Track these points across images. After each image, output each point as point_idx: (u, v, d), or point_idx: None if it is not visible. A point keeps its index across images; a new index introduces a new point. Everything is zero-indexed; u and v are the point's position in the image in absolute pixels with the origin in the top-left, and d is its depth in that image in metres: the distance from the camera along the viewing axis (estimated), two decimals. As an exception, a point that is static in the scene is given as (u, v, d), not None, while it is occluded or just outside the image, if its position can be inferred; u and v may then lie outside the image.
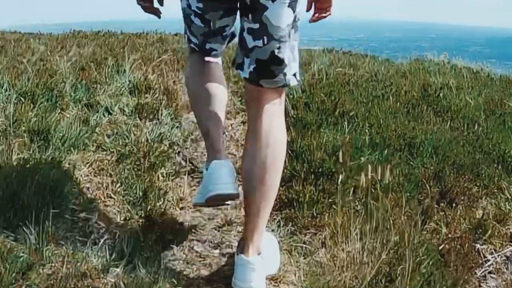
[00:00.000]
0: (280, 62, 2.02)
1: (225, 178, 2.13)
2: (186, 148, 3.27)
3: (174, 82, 4.45)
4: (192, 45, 2.32)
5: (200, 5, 2.11)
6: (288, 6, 1.98)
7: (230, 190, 2.13)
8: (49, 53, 5.51)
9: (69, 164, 2.73)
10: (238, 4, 2.07)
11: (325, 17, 2.16)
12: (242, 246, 2.07)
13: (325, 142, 3.34)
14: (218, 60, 2.43)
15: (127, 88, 3.92)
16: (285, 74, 2.04)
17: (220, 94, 2.32)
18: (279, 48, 2.00)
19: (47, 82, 3.53)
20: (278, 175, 2.09)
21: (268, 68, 2.02)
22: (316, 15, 2.14)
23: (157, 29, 9.48)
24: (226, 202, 2.30)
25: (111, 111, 3.43)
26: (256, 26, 2.00)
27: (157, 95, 3.88)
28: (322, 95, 4.25)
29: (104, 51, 6.23)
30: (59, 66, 3.97)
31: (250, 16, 2.01)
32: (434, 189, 3.07)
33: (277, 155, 2.05)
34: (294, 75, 2.08)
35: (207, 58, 2.34)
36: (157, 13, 2.28)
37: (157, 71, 4.72)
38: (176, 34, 9.32)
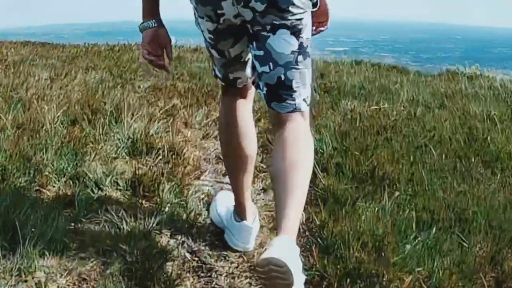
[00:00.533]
0: (288, 87, 2.05)
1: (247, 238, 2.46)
2: (191, 237, 2.59)
3: (184, 135, 3.78)
4: (218, 79, 2.33)
5: (212, 36, 2.12)
6: (291, 34, 2.01)
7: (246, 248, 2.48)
8: (48, 84, 4.89)
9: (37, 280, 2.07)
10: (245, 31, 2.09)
11: (322, 30, 2.30)
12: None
13: (363, 231, 2.64)
14: (250, 96, 2.38)
15: (125, 147, 3.26)
16: (294, 99, 2.06)
17: (250, 147, 2.35)
18: (285, 74, 2.03)
19: (24, 150, 2.86)
20: (308, 174, 2.03)
21: (277, 92, 2.06)
22: (314, 28, 2.19)
23: (176, 42, 8.85)
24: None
25: (101, 186, 2.77)
26: (261, 53, 2.04)
27: (160, 157, 3.22)
28: (356, 153, 3.56)
29: (113, 78, 5.61)
30: (46, 119, 3.31)
31: (254, 43, 2.06)
32: (489, 276, 2.46)
33: (306, 154, 2.05)
34: (304, 100, 2.10)
35: (237, 96, 2.32)
36: (166, 68, 2.24)
37: (166, 114, 4.06)
38: (195, 49, 8.71)
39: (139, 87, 5.22)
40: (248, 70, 2.25)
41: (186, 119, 4.10)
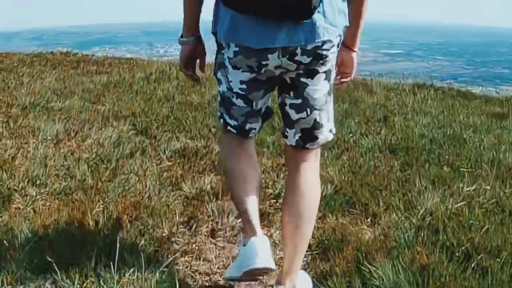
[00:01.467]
0: (321, 125, 2.20)
1: (263, 253, 2.14)
2: None
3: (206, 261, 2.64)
4: (229, 127, 2.28)
5: (244, 86, 2.14)
6: (325, 79, 2.12)
7: (268, 264, 2.13)
8: (50, 152, 3.83)
9: None
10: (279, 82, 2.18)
11: (347, 81, 2.37)
12: (279, 281, 2.25)
13: None
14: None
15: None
16: (323, 134, 2.21)
17: (255, 172, 2.32)
18: (319, 115, 2.17)
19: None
20: (311, 224, 2.29)
21: (312, 134, 2.20)
22: (339, 77, 2.33)
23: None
24: (261, 277, 2.27)
25: None
26: (299, 101, 2.14)
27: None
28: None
29: (136, 133, 4.53)
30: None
31: (291, 93, 2.14)
32: None
33: (312, 206, 2.26)
34: (330, 130, 2.25)
35: (249, 141, 2.34)
36: (199, 80, 2.40)
37: (188, 217, 2.97)
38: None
39: (164, 152, 4.11)
40: (261, 122, 2.30)
41: (214, 226, 2.96)
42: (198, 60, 2.30)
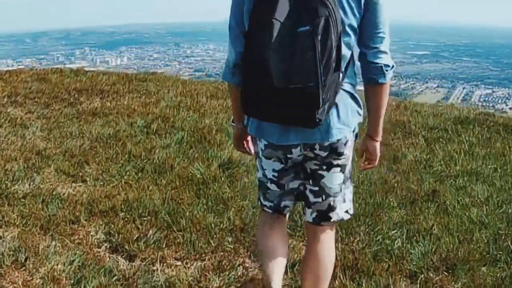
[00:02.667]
0: (334, 209, 2.44)
1: None
2: None
3: None
4: (265, 208, 2.55)
5: (276, 174, 2.41)
6: (340, 171, 2.37)
7: None
8: None
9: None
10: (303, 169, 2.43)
11: (371, 167, 2.54)
12: None
13: None
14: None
15: None
16: (338, 214, 2.46)
17: (284, 251, 2.55)
18: (333, 201, 2.42)
19: None
20: (327, 283, 2.54)
21: (327, 215, 2.45)
22: (366, 163, 2.52)
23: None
24: None
25: None
26: (316, 188, 2.40)
27: None
28: None
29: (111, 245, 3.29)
30: None
31: (311, 181, 2.41)
32: None
33: (327, 269, 2.51)
34: (347, 211, 2.49)
35: (281, 221, 2.58)
36: (250, 154, 2.63)
37: None
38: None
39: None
40: (293, 202, 2.55)
41: None
42: (249, 138, 2.56)
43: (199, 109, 7.06)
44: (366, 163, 2.51)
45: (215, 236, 3.55)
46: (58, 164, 4.75)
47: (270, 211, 2.54)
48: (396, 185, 4.68)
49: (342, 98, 2.22)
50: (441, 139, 6.19)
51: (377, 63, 2.22)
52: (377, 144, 2.43)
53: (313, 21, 1.96)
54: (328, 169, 2.34)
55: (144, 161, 4.92)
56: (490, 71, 56.73)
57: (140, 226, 3.61)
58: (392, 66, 2.25)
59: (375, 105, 2.32)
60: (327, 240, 2.51)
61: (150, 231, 3.54)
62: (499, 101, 46.12)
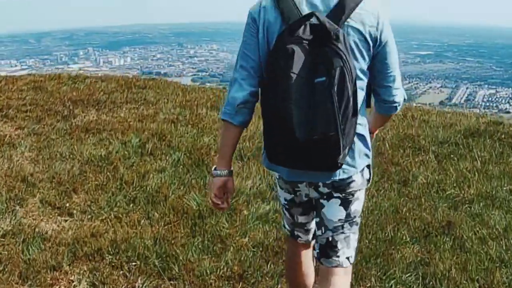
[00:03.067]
0: (333, 247, 2.36)
1: None
2: None
3: None
4: (285, 230, 2.62)
5: (287, 203, 2.48)
6: (340, 205, 2.32)
7: None
8: None
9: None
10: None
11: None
12: None
13: None
14: (311, 246, 2.64)
15: None
16: (338, 257, 2.37)
17: (309, 281, 2.66)
18: (333, 237, 2.36)
19: None
20: None
21: (325, 251, 2.39)
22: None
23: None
24: None
25: None
26: (318, 219, 2.40)
27: None
28: None
29: None
30: None
31: (314, 212, 2.44)
32: None
33: None
34: (348, 258, 2.39)
35: (299, 246, 2.62)
36: (226, 209, 2.71)
37: None
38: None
39: None
40: (310, 236, 2.57)
41: None
42: (230, 188, 2.37)
43: (198, 123, 6.68)
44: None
45: (210, 286, 3.17)
46: (44, 194, 4.38)
47: (289, 234, 2.61)
48: (408, 214, 4.32)
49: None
50: (452, 155, 5.82)
51: (391, 100, 2.32)
52: (373, 135, 2.58)
53: (329, 72, 1.98)
54: (327, 199, 2.32)
55: (137, 189, 4.54)
56: (494, 71, 56.47)
57: (128, 274, 3.24)
58: (404, 99, 2.36)
59: (381, 122, 2.58)
60: (340, 277, 2.40)
61: (139, 280, 3.17)
62: (503, 101, 45.82)
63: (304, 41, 2.01)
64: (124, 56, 60.88)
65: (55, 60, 57.64)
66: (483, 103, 45.63)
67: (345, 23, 2.08)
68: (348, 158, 2.20)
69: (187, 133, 6.20)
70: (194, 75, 55.57)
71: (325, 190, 2.29)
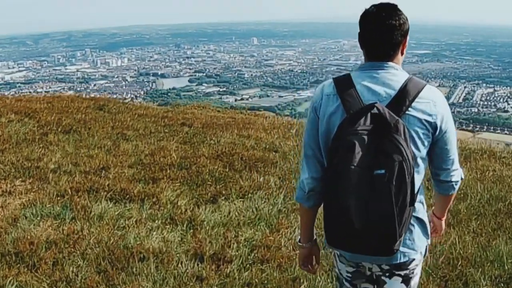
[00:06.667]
0: None
1: None
2: None
3: None
4: None
5: (349, 275, 2.38)
6: (401, 282, 2.28)
7: None
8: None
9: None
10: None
11: (436, 236, 2.56)
12: None
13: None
14: None
15: None
16: None
17: None
18: None
19: None
20: None
21: None
22: (432, 231, 2.50)
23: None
24: None
25: None
26: None
27: None
28: None
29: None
30: None
31: (375, 286, 2.33)
32: None
33: None
34: None
35: None
36: (315, 272, 2.65)
37: None
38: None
39: None
40: None
41: None
42: (315, 255, 2.47)
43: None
44: (433, 230, 2.51)
45: None
46: None
47: None
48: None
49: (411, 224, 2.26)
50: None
51: (450, 181, 2.28)
52: (442, 222, 2.52)
53: (388, 165, 1.97)
54: (389, 277, 2.29)
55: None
56: (491, 70, 55.56)
57: None
58: (461, 178, 2.30)
59: (444, 203, 2.46)
60: None
61: None
62: (501, 100, 44.68)
63: (364, 132, 1.99)
64: (122, 57, 59.93)
65: (52, 61, 56.66)
66: (481, 102, 44.24)
67: (406, 112, 2.07)
68: (408, 241, 2.21)
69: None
70: (191, 75, 54.37)
71: (386, 267, 2.27)
